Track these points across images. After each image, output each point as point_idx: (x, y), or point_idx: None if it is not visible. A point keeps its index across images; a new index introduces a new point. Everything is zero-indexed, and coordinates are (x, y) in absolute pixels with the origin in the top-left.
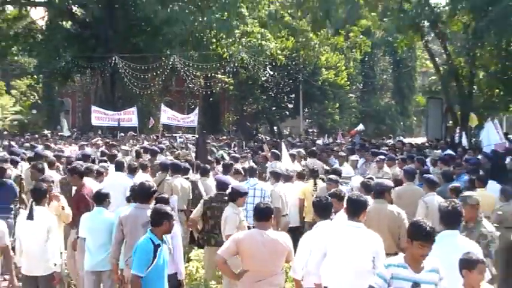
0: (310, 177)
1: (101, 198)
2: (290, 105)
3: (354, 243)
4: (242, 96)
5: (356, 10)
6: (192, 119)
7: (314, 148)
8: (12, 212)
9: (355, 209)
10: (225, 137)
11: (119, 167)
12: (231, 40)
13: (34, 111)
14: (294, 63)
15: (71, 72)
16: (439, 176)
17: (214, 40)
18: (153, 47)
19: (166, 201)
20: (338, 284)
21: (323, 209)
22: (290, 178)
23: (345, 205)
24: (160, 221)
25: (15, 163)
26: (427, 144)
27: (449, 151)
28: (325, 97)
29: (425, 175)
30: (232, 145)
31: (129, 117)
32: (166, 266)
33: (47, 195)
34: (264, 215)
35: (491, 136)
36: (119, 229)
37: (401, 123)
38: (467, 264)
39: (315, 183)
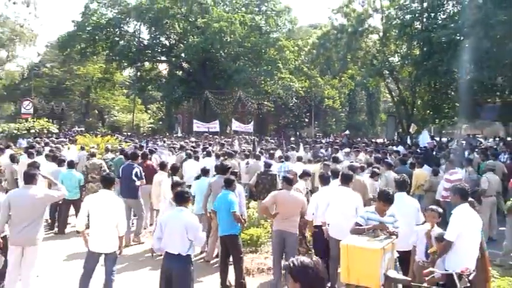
0: (317, 162)
1: (205, 171)
2: (306, 119)
3: (344, 199)
4: (279, 114)
5: (345, 64)
6: (250, 127)
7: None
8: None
9: (346, 179)
10: (268, 138)
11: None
12: (272, 82)
13: (160, 123)
14: (308, 95)
15: (181, 101)
16: (397, 160)
17: (263, 82)
18: (227, 86)
19: (235, 174)
20: (335, 222)
21: (325, 179)
22: (310, 161)
23: (339, 177)
24: (231, 184)
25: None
26: (387, 142)
27: (400, 147)
28: (326, 115)
29: (385, 160)
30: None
31: (214, 126)
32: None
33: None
34: (289, 182)
35: (424, 138)
36: (208, 188)
37: (371, 130)
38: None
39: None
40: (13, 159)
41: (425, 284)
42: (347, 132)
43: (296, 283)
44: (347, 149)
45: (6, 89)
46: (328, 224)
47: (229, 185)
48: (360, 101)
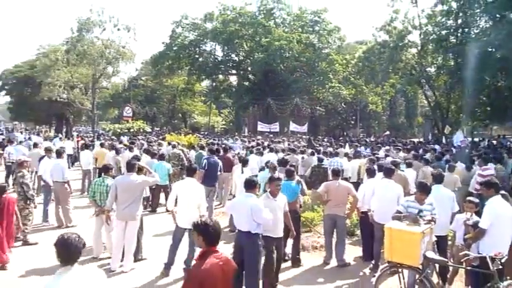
0: (356, 158)
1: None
2: (352, 122)
3: (387, 189)
4: (329, 117)
5: (387, 74)
6: (304, 128)
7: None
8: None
9: (389, 173)
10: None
11: (271, 149)
12: (324, 90)
13: (231, 124)
14: (354, 100)
15: (248, 106)
16: (433, 157)
17: (316, 90)
18: (286, 94)
19: (294, 167)
20: (379, 208)
21: (371, 172)
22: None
23: (383, 171)
24: (291, 174)
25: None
26: (423, 141)
27: (436, 146)
28: (370, 117)
29: (424, 157)
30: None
31: (275, 127)
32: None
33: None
34: (337, 173)
35: (458, 138)
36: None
37: (409, 131)
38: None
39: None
40: (117, 152)
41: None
42: (388, 132)
43: (199, 236)
44: (387, 147)
45: (112, 97)
46: (372, 211)
47: (290, 175)
48: (400, 105)
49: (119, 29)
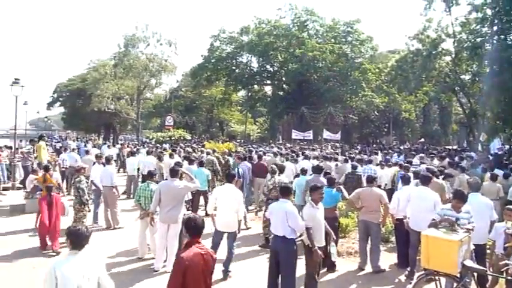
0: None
1: (304, 170)
2: (385, 129)
3: (424, 196)
4: (361, 125)
5: (420, 83)
6: (338, 136)
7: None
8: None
9: (425, 180)
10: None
11: (306, 157)
12: (357, 98)
13: (266, 132)
14: (387, 108)
15: (282, 115)
16: (469, 165)
17: (348, 99)
18: (319, 102)
19: (329, 174)
20: (415, 216)
21: (406, 180)
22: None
23: (419, 178)
24: (333, 183)
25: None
26: (458, 149)
27: (472, 153)
28: (403, 125)
29: (459, 164)
30: (359, 148)
31: (309, 134)
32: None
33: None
34: (371, 181)
35: (495, 145)
36: (306, 185)
37: (444, 139)
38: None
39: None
40: (159, 158)
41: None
42: (422, 140)
43: (184, 229)
44: (422, 155)
45: (155, 107)
46: (408, 218)
47: (331, 183)
48: (433, 113)
49: (161, 44)
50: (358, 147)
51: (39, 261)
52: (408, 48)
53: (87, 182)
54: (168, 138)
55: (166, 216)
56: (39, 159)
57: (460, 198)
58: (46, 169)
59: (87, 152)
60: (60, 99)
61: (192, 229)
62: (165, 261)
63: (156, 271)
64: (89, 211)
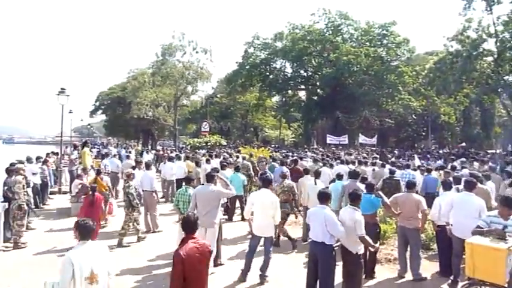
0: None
1: (339, 175)
2: (423, 133)
3: (468, 203)
4: (398, 129)
5: (460, 85)
6: (374, 140)
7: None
8: None
9: (470, 186)
10: (390, 149)
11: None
12: (393, 102)
13: (300, 137)
14: (425, 112)
15: (317, 119)
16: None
17: (384, 102)
18: (354, 107)
19: (366, 179)
20: (458, 223)
21: (447, 185)
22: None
23: (463, 184)
24: (372, 188)
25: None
26: (503, 153)
27: None
28: (442, 128)
29: (505, 169)
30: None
31: (344, 139)
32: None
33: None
34: (411, 186)
35: None
36: (342, 190)
37: (486, 142)
38: None
39: (440, 173)
40: (197, 164)
41: None
42: (463, 144)
43: (183, 229)
44: (463, 159)
45: (191, 113)
46: (451, 224)
47: (371, 189)
48: (475, 115)
49: (197, 52)
50: (396, 151)
51: None
52: (447, 50)
53: (136, 188)
54: (204, 144)
55: (202, 220)
56: (83, 164)
57: (508, 205)
58: (98, 173)
59: (127, 158)
60: (102, 107)
61: (186, 226)
62: None
63: None
64: (139, 214)
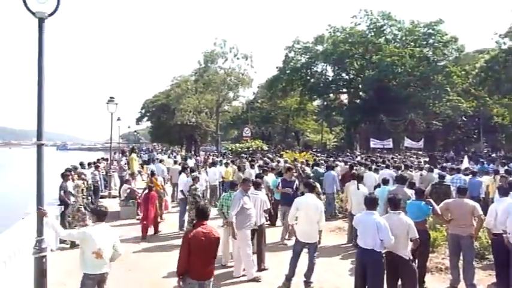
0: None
1: (385, 180)
2: (474, 136)
3: None
4: (447, 132)
5: None
6: (420, 144)
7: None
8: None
9: None
10: (439, 152)
11: (387, 166)
12: (441, 104)
13: (342, 141)
14: (476, 113)
15: (360, 123)
16: None
17: (431, 104)
18: (399, 109)
19: (414, 184)
20: None
21: (504, 191)
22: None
23: None
24: (422, 194)
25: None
26: None
27: None
28: (496, 131)
29: None
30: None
31: (388, 143)
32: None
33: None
34: (463, 192)
35: None
36: (388, 196)
37: None
38: None
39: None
40: (239, 168)
41: None
42: None
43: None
44: None
45: (232, 119)
46: (509, 233)
47: (420, 195)
48: None
49: (238, 58)
50: (445, 155)
51: (133, 264)
52: (499, 47)
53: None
54: (245, 149)
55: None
56: (131, 169)
57: None
58: (152, 174)
59: (175, 163)
60: (147, 114)
61: (198, 214)
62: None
63: (236, 277)
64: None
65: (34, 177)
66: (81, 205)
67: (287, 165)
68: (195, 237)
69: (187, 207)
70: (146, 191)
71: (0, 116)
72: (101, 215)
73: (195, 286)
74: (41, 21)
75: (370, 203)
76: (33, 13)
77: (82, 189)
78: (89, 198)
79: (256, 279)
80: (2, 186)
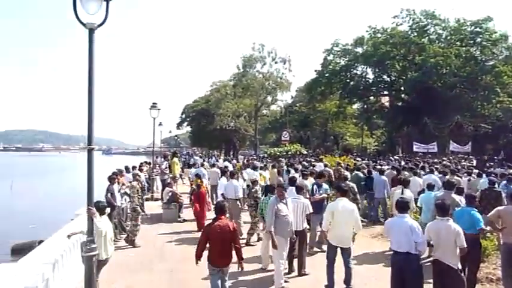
0: None
1: (430, 186)
2: None
3: None
4: (497, 135)
5: None
6: (467, 148)
7: None
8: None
9: None
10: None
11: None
12: (490, 105)
13: (383, 145)
14: None
15: (402, 126)
16: None
17: (479, 106)
18: (444, 112)
19: (462, 190)
20: None
21: None
22: None
23: None
24: (474, 200)
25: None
26: None
27: None
28: None
29: None
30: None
31: (433, 147)
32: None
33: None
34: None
35: None
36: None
37: None
38: None
39: None
40: (278, 172)
41: None
42: None
43: (215, 211)
44: None
45: (271, 123)
46: None
47: (471, 201)
48: None
49: (276, 62)
50: (496, 159)
51: (176, 266)
52: None
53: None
54: (284, 153)
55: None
56: (173, 173)
57: None
58: (197, 176)
59: (213, 166)
60: (188, 119)
61: (216, 210)
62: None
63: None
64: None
65: (84, 180)
66: (137, 205)
67: (326, 169)
68: (212, 229)
69: (248, 209)
70: (196, 189)
71: (50, 122)
72: (101, 211)
73: (216, 271)
74: (91, 32)
75: (402, 206)
76: (83, 24)
77: (137, 190)
78: (143, 198)
79: None
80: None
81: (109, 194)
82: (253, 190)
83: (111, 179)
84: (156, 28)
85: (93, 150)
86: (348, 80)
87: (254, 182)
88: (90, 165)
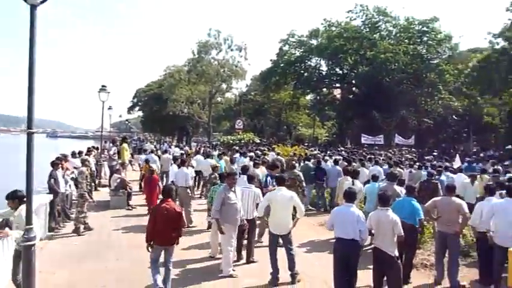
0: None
1: (375, 177)
2: (464, 135)
3: (509, 208)
4: (437, 130)
5: (506, 84)
6: (410, 141)
7: None
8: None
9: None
10: (428, 150)
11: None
12: (432, 102)
13: (334, 136)
14: (467, 112)
15: (352, 118)
16: None
17: (423, 102)
18: (391, 106)
19: (404, 182)
20: (502, 231)
21: (491, 190)
22: None
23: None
24: (412, 191)
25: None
26: None
27: None
28: (485, 130)
29: None
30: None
31: (379, 139)
32: None
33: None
34: (451, 190)
35: None
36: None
37: None
38: None
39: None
40: (231, 161)
41: None
42: (510, 146)
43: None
44: (507, 162)
45: (225, 111)
46: (492, 231)
47: (411, 192)
48: None
49: (232, 50)
50: (435, 153)
51: (122, 254)
52: (492, 47)
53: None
54: (237, 141)
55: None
56: (122, 159)
57: None
58: (147, 161)
59: (164, 152)
60: (139, 103)
61: (164, 193)
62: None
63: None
64: None
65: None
66: (84, 191)
67: (278, 157)
68: (158, 210)
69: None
70: (149, 174)
71: None
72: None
73: (160, 250)
74: (33, 8)
75: (350, 196)
76: (25, 0)
77: (86, 176)
78: (92, 185)
79: (231, 277)
80: None
81: (52, 180)
82: (212, 176)
83: (55, 164)
84: (110, 6)
85: (33, 134)
86: (302, 71)
87: (215, 168)
88: (29, 150)
